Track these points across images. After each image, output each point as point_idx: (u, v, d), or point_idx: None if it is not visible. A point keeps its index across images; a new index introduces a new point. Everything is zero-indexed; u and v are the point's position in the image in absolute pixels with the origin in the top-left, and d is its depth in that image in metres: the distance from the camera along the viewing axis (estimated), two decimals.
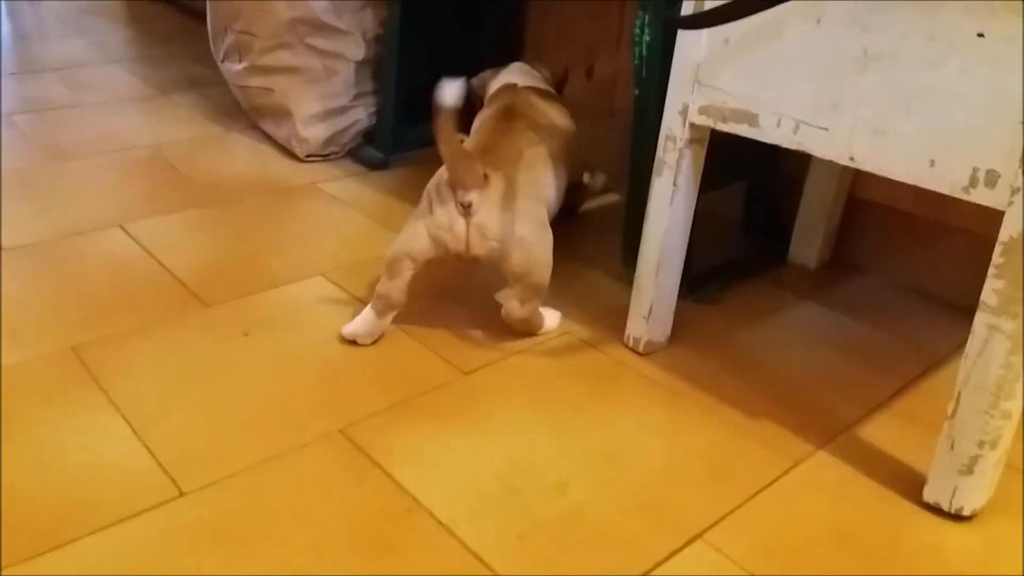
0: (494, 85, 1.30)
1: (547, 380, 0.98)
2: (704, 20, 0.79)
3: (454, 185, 0.98)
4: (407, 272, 1.01)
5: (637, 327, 1.04)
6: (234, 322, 1.06)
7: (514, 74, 1.30)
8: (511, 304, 1.03)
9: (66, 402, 0.90)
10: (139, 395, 0.92)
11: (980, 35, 0.70)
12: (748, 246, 1.32)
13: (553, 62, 1.45)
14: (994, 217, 0.71)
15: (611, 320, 1.10)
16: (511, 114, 1.16)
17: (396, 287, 1.02)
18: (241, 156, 1.62)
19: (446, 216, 0.99)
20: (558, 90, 1.32)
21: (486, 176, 0.99)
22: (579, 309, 1.14)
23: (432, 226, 1.00)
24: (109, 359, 0.97)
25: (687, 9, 0.90)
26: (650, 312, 1.02)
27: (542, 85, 1.30)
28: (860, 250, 1.28)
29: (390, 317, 1.04)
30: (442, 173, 1.00)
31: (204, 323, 1.06)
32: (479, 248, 0.99)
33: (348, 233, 1.33)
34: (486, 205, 0.99)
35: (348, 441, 0.87)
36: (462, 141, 1.03)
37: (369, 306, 1.04)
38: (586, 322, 1.11)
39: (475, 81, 1.34)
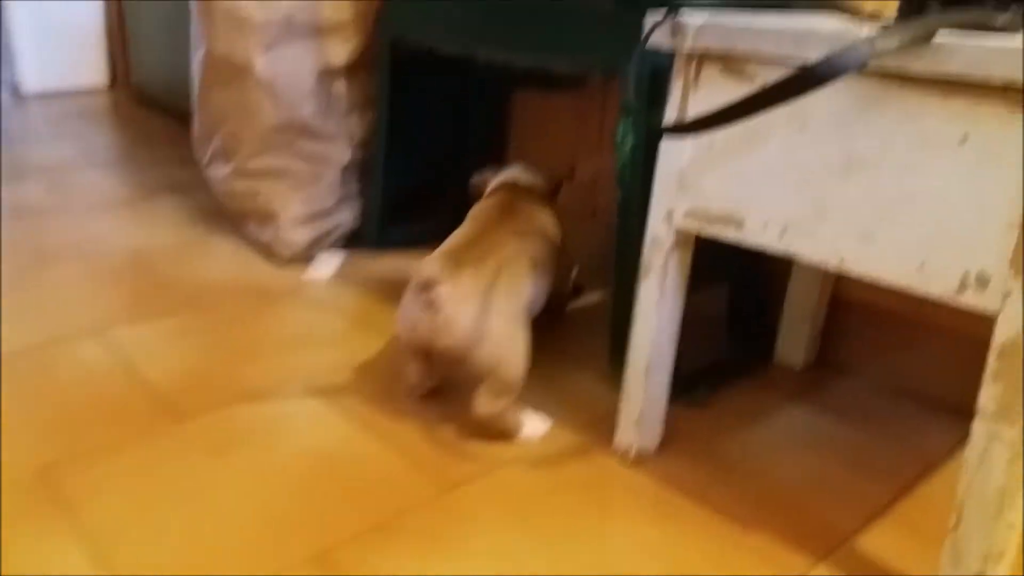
0: (494, 183, 1.31)
1: (535, 496, 0.95)
2: (690, 128, 0.80)
3: (419, 280, 1.00)
4: (410, 362, 1.08)
5: (627, 434, 1.01)
6: (209, 438, 1.02)
7: (514, 174, 1.32)
8: (479, 400, 1.01)
9: (28, 529, 0.85)
10: (106, 520, 0.87)
11: (963, 140, 0.70)
12: (734, 347, 1.31)
13: (536, 162, 1.47)
14: (978, 317, 0.70)
15: (600, 426, 1.08)
16: (502, 211, 1.17)
17: (409, 373, 1.10)
18: (223, 260, 1.61)
19: (410, 310, 1.02)
20: (551, 196, 1.33)
21: (459, 270, 1.00)
22: (567, 414, 1.11)
23: (401, 319, 1.04)
24: (78, 479, 0.93)
25: (670, 115, 0.91)
26: (640, 418, 0.99)
27: (537, 189, 1.31)
28: (845, 350, 1.27)
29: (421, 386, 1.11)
30: (422, 264, 1.02)
31: (179, 439, 1.02)
32: (445, 341, 0.99)
33: (331, 339, 1.30)
34: (455, 299, 0.98)
35: (324, 569, 0.82)
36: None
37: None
38: (575, 428, 1.08)
39: (475, 179, 1.36)
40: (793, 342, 1.26)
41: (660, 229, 0.94)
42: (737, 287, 1.33)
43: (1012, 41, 0.66)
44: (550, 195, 1.34)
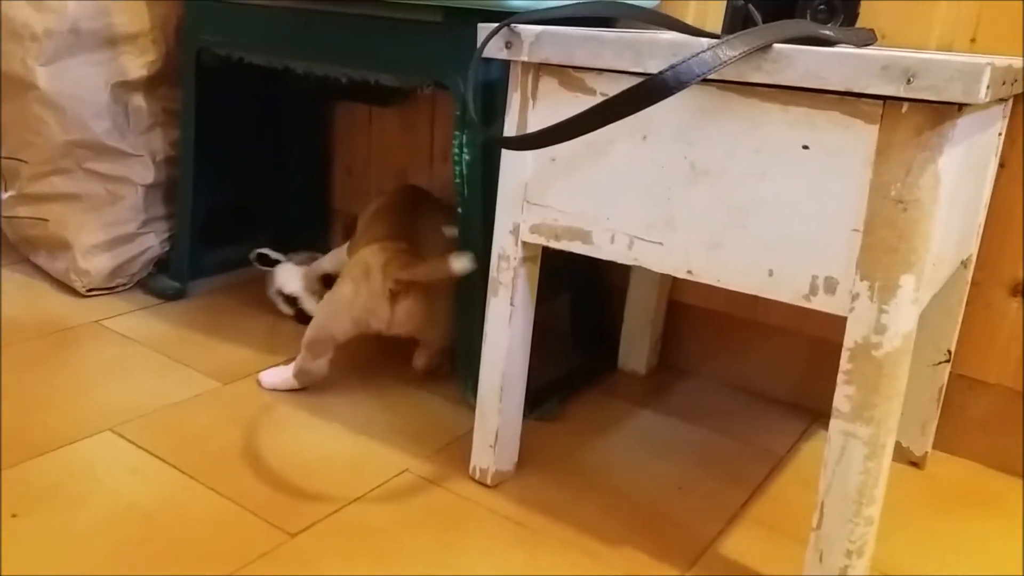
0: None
1: (390, 532, 0.89)
2: (532, 142, 0.77)
3: (389, 271, 1.07)
4: (330, 351, 1.12)
5: (483, 457, 0.97)
6: (5, 499, 0.89)
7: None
8: (419, 360, 1.19)
9: None
10: None
11: (805, 147, 0.71)
12: (578, 356, 1.30)
13: (364, 178, 1.41)
14: (808, 314, 0.71)
15: (453, 450, 1.03)
16: (414, 203, 1.24)
17: (319, 366, 1.13)
18: (10, 295, 1.42)
19: (372, 300, 1.07)
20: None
21: (410, 260, 1.09)
22: (417, 442, 1.05)
23: (357, 308, 1.08)
24: None
25: (510, 129, 0.88)
26: (496, 440, 0.96)
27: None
28: (685, 353, 1.29)
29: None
30: (367, 257, 1.09)
31: None
32: (403, 328, 1.10)
33: (141, 377, 1.17)
34: (415, 290, 1.08)
35: None
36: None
37: (292, 375, 1.14)
38: (426, 456, 1.02)
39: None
40: (635, 348, 1.27)
41: (506, 244, 0.91)
42: (578, 298, 1.33)
43: (847, 49, 0.68)
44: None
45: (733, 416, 1.17)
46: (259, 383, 1.17)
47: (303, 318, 1.33)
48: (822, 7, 0.92)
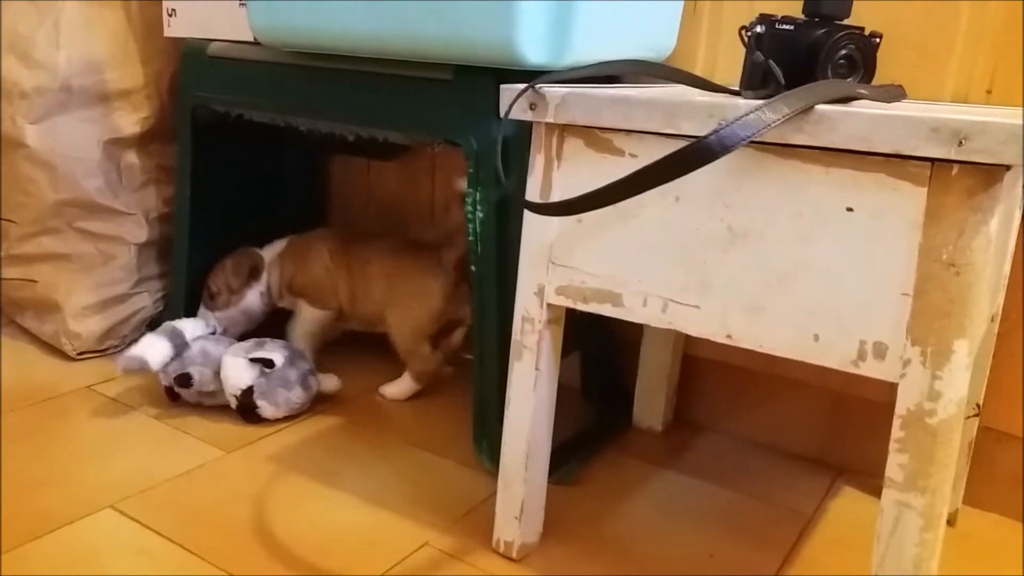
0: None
1: None
2: (571, 208, 0.74)
3: (458, 265, 1.24)
4: (427, 347, 1.29)
5: (508, 530, 0.93)
6: None
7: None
8: (458, 339, 1.34)
9: None
10: None
11: (849, 209, 0.69)
12: (592, 415, 1.27)
13: (364, 231, 1.38)
14: (830, 369, 0.70)
15: (473, 520, 0.99)
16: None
17: (429, 361, 1.30)
18: None
19: (447, 292, 1.26)
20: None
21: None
22: (434, 511, 1.01)
23: (431, 299, 1.27)
24: None
25: (533, 190, 0.86)
26: (522, 511, 0.92)
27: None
28: (701, 408, 1.27)
29: None
30: (447, 254, 1.26)
31: None
32: (463, 310, 1.28)
33: (138, 447, 1.12)
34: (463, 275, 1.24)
35: None
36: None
37: (413, 383, 1.31)
38: (445, 527, 0.98)
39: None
40: (651, 404, 1.24)
41: (531, 306, 0.88)
42: (589, 355, 1.30)
43: (892, 110, 0.66)
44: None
45: (755, 474, 1.14)
46: (382, 396, 1.31)
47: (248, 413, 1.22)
48: (842, 62, 0.91)
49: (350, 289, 1.34)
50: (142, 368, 1.20)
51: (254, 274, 1.37)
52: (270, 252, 1.39)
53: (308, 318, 1.37)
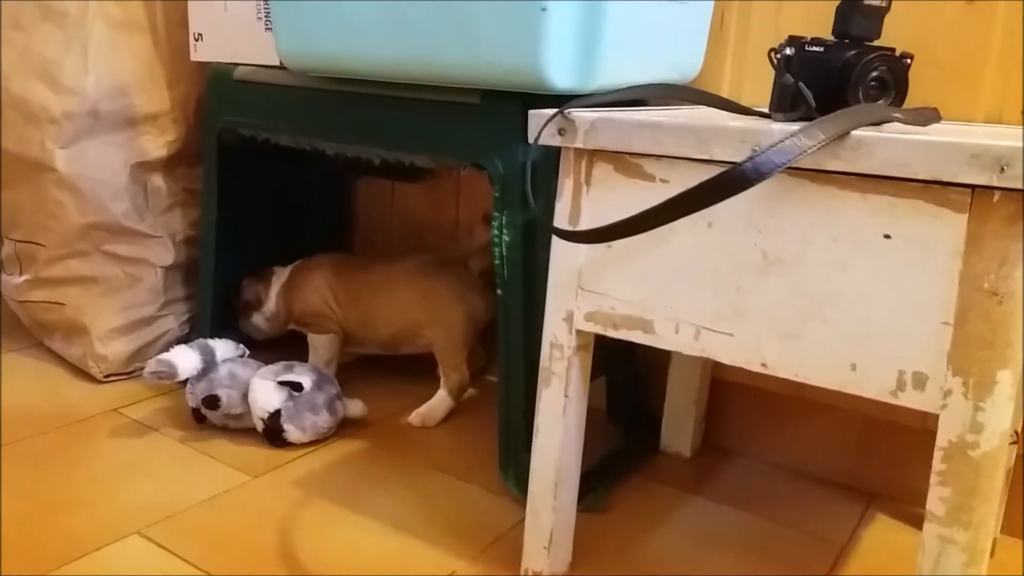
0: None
1: None
2: (604, 235, 0.73)
3: (485, 272, 1.28)
4: (464, 361, 1.30)
5: (537, 559, 0.92)
6: None
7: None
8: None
9: None
10: None
11: (887, 236, 0.68)
12: (618, 439, 1.25)
13: (386, 252, 1.38)
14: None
15: (500, 548, 0.98)
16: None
17: (465, 376, 1.30)
18: (23, 383, 1.37)
19: (479, 299, 1.30)
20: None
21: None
22: (461, 539, 1.00)
23: (471, 307, 1.30)
24: None
25: (561, 215, 0.85)
26: (551, 541, 0.91)
27: None
28: (729, 433, 1.25)
29: None
30: (474, 262, 1.31)
31: None
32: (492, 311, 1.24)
33: (164, 471, 1.12)
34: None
35: None
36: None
37: (448, 399, 1.30)
38: (472, 556, 0.97)
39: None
40: (678, 429, 1.23)
41: (560, 332, 0.87)
42: (615, 379, 1.29)
43: (928, 135, 0.65)
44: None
45: (786, 501, 1.12)
46: (416, 423, 1.28)
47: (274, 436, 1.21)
48: (874, 84, 0.89)
49: (359, 315, 1.34)
50: (170, 374, 1.21)
51: (248, 310, 1.44)
52: (278, 278, 1.41)
53: (314, 344, 1.39)
